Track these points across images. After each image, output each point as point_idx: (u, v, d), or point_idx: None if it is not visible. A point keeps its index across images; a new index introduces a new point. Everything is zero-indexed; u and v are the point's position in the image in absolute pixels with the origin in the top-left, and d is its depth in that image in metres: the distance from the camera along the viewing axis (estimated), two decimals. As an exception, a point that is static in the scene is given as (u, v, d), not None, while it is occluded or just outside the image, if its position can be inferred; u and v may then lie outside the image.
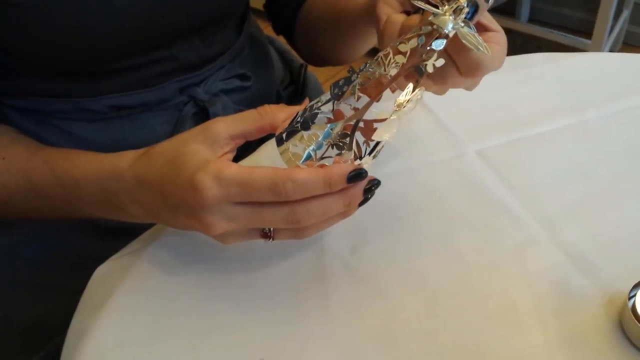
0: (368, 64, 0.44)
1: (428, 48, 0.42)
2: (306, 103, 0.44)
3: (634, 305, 0.44)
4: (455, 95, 0.67)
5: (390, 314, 0.47)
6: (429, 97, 0.66)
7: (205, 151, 0.43)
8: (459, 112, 0.64)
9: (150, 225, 0.55)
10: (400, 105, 0.42)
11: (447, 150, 0.60)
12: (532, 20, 2.40)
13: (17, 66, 0.57)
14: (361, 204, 0.44)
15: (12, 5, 0.49)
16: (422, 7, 0.43)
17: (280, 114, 0.45)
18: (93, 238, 0.65)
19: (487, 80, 0.72)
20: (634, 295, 0.44)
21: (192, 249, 0.51)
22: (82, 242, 0.65)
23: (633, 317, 0.43)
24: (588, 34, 1.97)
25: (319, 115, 0.43)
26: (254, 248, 0.51)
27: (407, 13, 0.48)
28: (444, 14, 0.42)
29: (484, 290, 0.48)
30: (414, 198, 0.55)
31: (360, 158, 0.42)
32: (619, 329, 0.45)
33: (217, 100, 0.65)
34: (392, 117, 0.41)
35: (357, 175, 0.41)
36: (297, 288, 0.49)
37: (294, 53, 0.85)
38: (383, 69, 0.44)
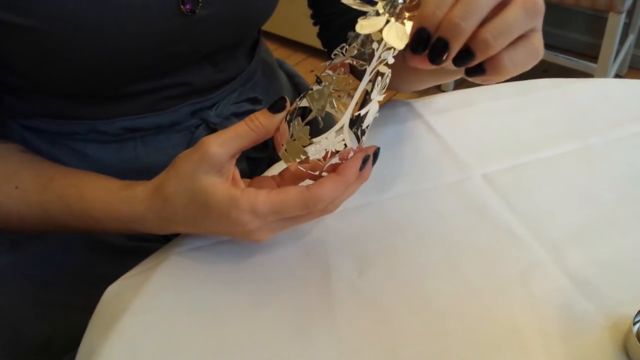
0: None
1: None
2: (288, 107, 0.47)
3: (638, 331, 0.44)
4: (461, 119, 0.68)
5: (395, 336, 0.47)
6: (435, 122, 0.67)
7: (219, 182, 0.47)
8: (465, 136, 0.65)
9: (160, 246, 0.55)
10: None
11: (453, 174, 0.61)
12: (538, 43, 2.40)
13: (31, 88, 0.59)
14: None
15: (26, 31, 0.50)
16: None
17: (270, 126, 0.47)
18: (102, 257, 0.65)
19: (493, 105, 0.73)
20: (639, 321, 0.44)
21: (200, 270, 0.52)
22: (91, 261, 0.65)
23: (638, 343, 0.43)
24: (594, 58, 1.98)
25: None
26: (261, 268, 0.52)
27: None
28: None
29: (488, 314, 0.48)
30: (420, 221, 0.56)
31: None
32: (623, 353, 0.45)
33: (229, 124, 0.66)
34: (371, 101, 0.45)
35: (365, 162, 0.47)
36: (304, 309, 0.49)
37: (302, 76, 0.86)
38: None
